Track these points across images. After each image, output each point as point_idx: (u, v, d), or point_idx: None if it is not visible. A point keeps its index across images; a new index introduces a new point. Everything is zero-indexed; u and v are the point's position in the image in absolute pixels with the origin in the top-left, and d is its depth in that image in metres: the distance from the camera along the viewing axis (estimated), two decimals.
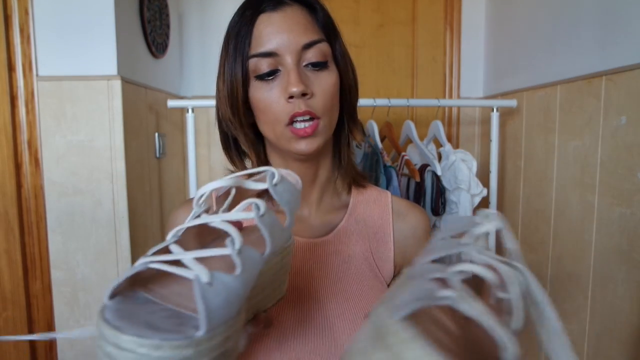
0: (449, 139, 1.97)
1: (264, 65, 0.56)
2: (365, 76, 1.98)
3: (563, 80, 1.32)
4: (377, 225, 0.66)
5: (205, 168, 1.98)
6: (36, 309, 1.38)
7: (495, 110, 1.54)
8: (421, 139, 1.51)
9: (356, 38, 1.95)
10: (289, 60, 0.56)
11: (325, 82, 0.58)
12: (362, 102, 1.43)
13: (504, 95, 1.72)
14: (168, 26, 1.72)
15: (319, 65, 0.57)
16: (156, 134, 1.61)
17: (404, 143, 1.59)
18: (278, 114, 0.56)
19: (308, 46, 0.56)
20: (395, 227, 0.67)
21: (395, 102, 1.44)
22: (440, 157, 1.46)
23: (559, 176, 1.35)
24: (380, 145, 1.40)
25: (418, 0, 1.95)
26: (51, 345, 1.40)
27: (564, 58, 1.31)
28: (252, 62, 0.57)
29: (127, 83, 1.35)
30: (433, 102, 1.49)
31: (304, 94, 0.55)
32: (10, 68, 1.28)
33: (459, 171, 1.37)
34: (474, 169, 1.40)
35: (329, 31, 0.60)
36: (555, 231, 1.37)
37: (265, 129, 0.60)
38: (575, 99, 1.26)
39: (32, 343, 1.39)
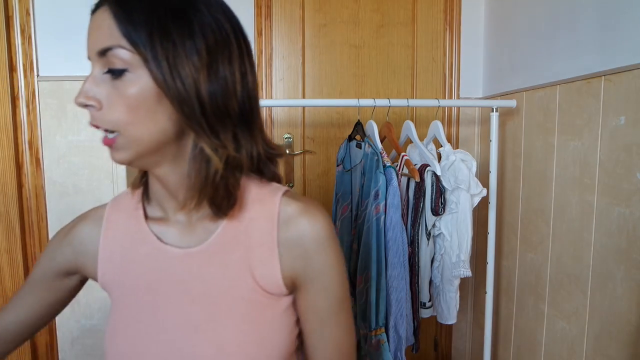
0: (449, 139, 1.98)
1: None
2: (365, 76, 1.99)
3: (562, 81, 1.32)
4: (261, 233, 0.61)
5: None
6: None
7: (494, 110, 1.54)
8: (421, 139, 1.51)
9: (356, 38, 1.96)
10: (93, 66, 0.54)
11: (117, 94, 0.52)
12: (362, 102, 1.43)
13: (504, 95, 1.72)
14: None
15: (114, 73, 0.52)
16: None
17: (403, 143, 1.60)
18: None
19: (102, 53, 0.52)
20: (280, 235, 0.61)
21: (395, 102, 1.44)
22: (440, 157, 1.46)
23: (558, 176, 1.35)
24: (380, 145, 1.40)
25: (418, 1, 1.95)
26: (52, 344, 1.40)
27: (564, 58, 1.31)
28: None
29: None
30: (433, 102, 1.49)
31: (87, 105, 0.54)
32: (12, 68, 1.28)
33: (459, 171, 1.37)
34: (474, 169, 1.40)
35: (146, 34, 0.51)
36: (554, 231, 1.37)
37: None
38: (575, 99, 1.26)
39: (33, 342, 1.39)
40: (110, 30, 0.51)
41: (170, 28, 0.52)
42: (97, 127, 0.54)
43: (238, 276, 0.60)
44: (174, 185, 0.60)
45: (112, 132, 0.54)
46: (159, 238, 0.63)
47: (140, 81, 0.52)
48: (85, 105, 0.53)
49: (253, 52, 1.91)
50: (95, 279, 0.68)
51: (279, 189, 0.64)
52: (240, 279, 0.60)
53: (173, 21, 0.52)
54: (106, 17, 0.52)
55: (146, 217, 0.65)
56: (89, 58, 0.54)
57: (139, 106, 0.52)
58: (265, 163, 0.64)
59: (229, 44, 0.57)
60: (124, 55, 0.51)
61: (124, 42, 0.51)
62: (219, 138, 0.55)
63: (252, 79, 0.60)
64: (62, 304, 0.73)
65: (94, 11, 0.54)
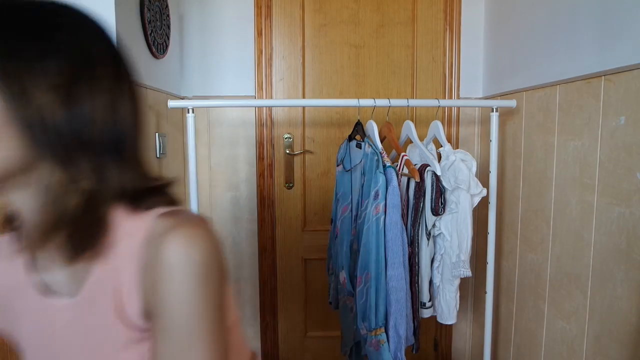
0: (449, 139, 1.98)
1: None
2: (365, 76, 1.99)
3: (562, 81, 1.32)
4: (129, 267, 0.52)
5: (205, 168, 1.98)
6: None
7: (494, 110, 1.54)
8: (421, 139, 1.51)
9: (356, 38, 1.96)
10: None
11: None
12: (362, 102, 1.43)
13: (504, 95, 1.72)
14: (169, 26, 1.72)
15: None
16: (156, 134, 1.62)
17: (403, 143, 1.60)
18: None
19: None
20: (142, 260, 0.52)
21: (395, 102, 1.44)
22: (440, 157, 1.46)
23: (558, 176, 1.35)
24: (380, 145, 1.40)
25: (418, 1, 1.96)
26: None
27: (564, 58, 1.31)
28: None
29: None
30: (433, 102, 1.49)
31: None
32: None
33: (459, 171, 1.37)
34: (474, 169, 1.40)
35: None
36: (554, 231, 1.37)
37: None
38: (575, 99, 1.26)
39: None
40: None
41: (24, 46, 0.47)
42: None
43: (113, 322, 0.53)
44: (30, 222, 0.53)
45: None
46: (35, 286, 0.57)
47: None
48: None
49: (254, 53, 1.93)
50: None
51: (157, 211, 0.54)
52: (116, 324, 0.52)
53: (27, 39, 0.47)
54: None
55: (24, 263, 0.58)
56: None
57: None
58: (143, 195, 0.55)
59: (94, 68, 0.51)
60: None
61: None
62: (76, 169, 0.50)
63: (129, 105, 0.55)
64: None
65: None
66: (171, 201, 0.58)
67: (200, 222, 0.53)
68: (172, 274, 0.49)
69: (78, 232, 0.51)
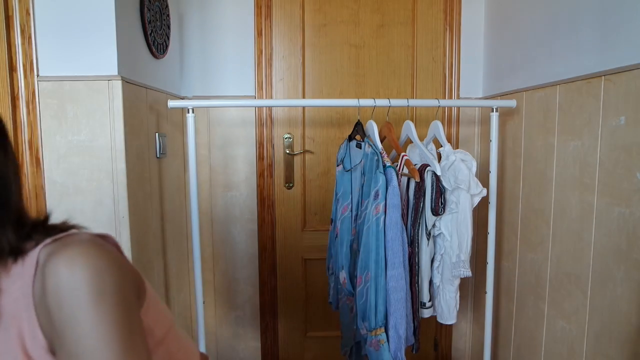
0: (449, 139, 1.98)
1: None
2: (365, 76, 1.99)
3: (562, 81, 1.32)
4: (20, 300, 0.49)
5: (205, 168, 1.98)
6: None
7: (494, 110, 1.54)
8: (421, 139, 1.51)
9: (356, 38, 1.96)
10: None
11: None
12: (362, 102, 1.43)
13: (504, 95, 1.72)
14: (169, 26, 1.72)
15: None
16: (156, 134, 1.62)
17: (403, 143, 1.60)
18: None
19: None
20: (34, 292, 0.49)
21: (395, 102, 1.44)
22: (440, 157, 1.46)
23: (558, 176, 1.35)
24: (380, 145, 1.40)
25: (418, 1, 1.96)
26: None
27: (564, 58, 1.31)
28: None
29: (128, 83, 1.35)
30: (433, 102, 1.49)
31: None
32: (12, 68, 1.28)
33: (459, 171, 1.37)
34: (474, 169, 1.40)
35: None
36: (554, 231, 1.37)
37: None
38: (575, 99, 1.26)
39: None
40: None
41: None
42: None
43: None
44: None
45: None
46: None
47: None
48: None
49: (254, 53, 1.93)
50: None
51: (43, 244, 0.51)
52: None
53: None
54: None
55: None
56: None
57: None
58: (28, 237, 0.52)
59: None
60: None
61: None
62: None
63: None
64: None
65: None
66: (63, 229, 0.54)
67: (86, 241, 0.49)
68: (59, 299, 0.46)
69: None
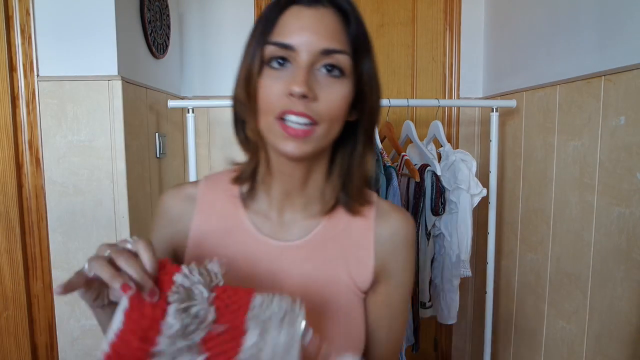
0: (449, 139, 1.98)
1: (277, 55, 0.55)
2: None
3: (562, 81, 1.32)
4: (359, 231, 0.65)
5: (205, 168, 1.98)
6: (37, 308, 1.38)
7: (494, 110, 1.54)
8: (421, 139, 1.51)
9: None
10: (303, 58, 0.54)
11: (335, 91, 0.55)
12: None
13: (504, 95, 1.72)
14: (168, 26, 1.72)
15: (333, 71, 0.55)
16: (156, 134, 1.62)
17: (403, 143, 1.60)
18: (272, 105, 0.55)
19: (327, 52, 0.54)
20: (377, 231, 0.64)
21: (395, 102, 1.44)
22: (440, 157, 1.46)
23: (558, 176, 1.35)
24: (380, 145, 1.40)
25: (418, 1, 1.96)
26: (52, 344, 1.40)
27: (564, 58, 1.31)
28: (268, 49, 0.56)
29: (128, 83, 1.35)
30: (433, 102, 1.49)
31: (304, 96, 0.53)
32: (12, 68, 1.28)
33: (459, 171, 1.38)
34: (474, 169, 1.40)
35: (357, 46, 0.57)
36: (554, 231, 1.37)
37: (259, 118, 0.57)
38: (575, 99, 1.26)
39: (33, 342, 1.39)
40: (339, 35, 0.56)
41: (367, 44, 0.59)
42: (304, 115, 0.54)
43: (335, 273, 0.62)
44: (313, 182, 0.63)
45: (313, 124, 0.55)
46: (256, 228, 0.63)
47: (349, 87, 0.57)
48: (303, 96, 0.53)
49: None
50: (181, 260, 0.65)
51: (369, 190, 0.68)
52: (337, 276, 0.62)
53: (366, 38, 0.60)
54: (333, 19, 0.56)
55: (244, 206, 0.65)
56: (293, 48, 0.54)
57: (341, 106, 0.57)
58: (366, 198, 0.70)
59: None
60: (345, 61, 0.56)
61: (349, 51, 0.56)
62: (370, 151, 0.64)
63: None
64: None
65: (310, 3, 0.56)
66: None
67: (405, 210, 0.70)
68: (410, 243, 0.66)
69: (358, 193, 0.64)
